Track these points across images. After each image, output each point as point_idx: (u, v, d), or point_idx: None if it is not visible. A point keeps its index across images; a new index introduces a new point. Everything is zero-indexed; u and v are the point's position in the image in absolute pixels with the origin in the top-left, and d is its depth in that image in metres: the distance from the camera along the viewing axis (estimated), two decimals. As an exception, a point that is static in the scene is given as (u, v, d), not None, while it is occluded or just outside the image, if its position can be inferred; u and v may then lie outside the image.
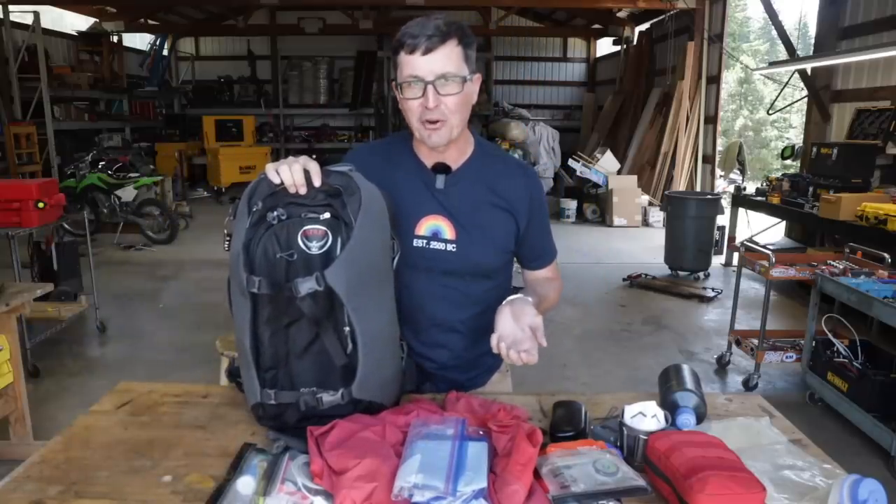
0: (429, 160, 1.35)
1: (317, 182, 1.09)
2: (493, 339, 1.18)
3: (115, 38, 12.34)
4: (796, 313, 5.13)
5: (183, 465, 1.08)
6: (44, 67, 9.00)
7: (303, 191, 1.08)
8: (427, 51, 1.20)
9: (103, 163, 7.82)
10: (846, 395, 3.13)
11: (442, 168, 1.34)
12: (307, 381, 1.12)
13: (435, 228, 1.34)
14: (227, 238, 1.12)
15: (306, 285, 1.02)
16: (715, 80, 8.92)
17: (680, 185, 9.00)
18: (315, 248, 1.07)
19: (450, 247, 1.34)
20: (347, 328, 1.08)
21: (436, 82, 1.21)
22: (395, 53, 1.25)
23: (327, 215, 1.09)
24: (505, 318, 1.20)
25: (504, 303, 1.24)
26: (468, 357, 1.44)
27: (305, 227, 1.08)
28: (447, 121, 1.25)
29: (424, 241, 1.34)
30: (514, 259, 1.49)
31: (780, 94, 7.49)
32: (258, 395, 1.11)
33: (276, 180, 1.08)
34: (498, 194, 1.37)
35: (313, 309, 1.06)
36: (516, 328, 1.18)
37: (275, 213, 1.08)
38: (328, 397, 1.10)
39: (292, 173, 1.07)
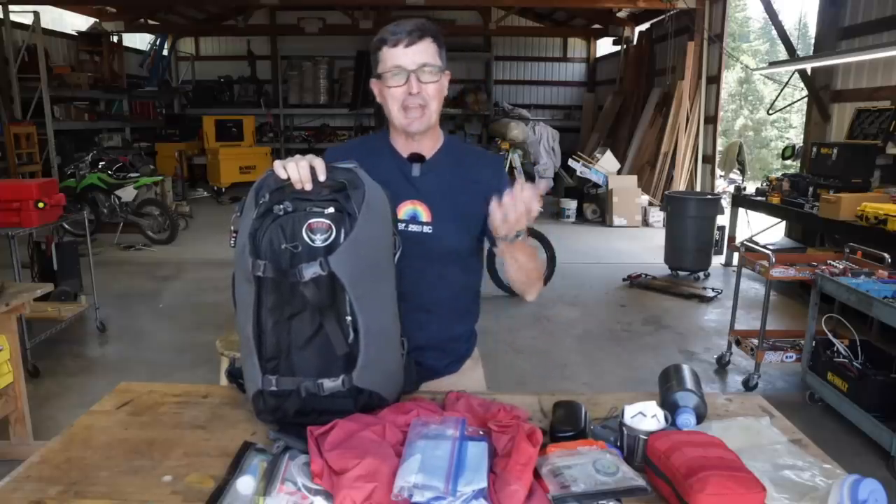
0: (405, 150, 1.46)
1: (322, 177, 1.13)
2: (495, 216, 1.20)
3: (115, 38, 12.31)
4: (796, 313, 5.12)
5: (183, 465, 1.08)
6: (44, 67, 8.99)
7: (308, 187, 1.12)
8: (409, 44, 1.34)
9: (103, 163, 7.82)
10: (846, 395, 3.13)
11: (417, 157, 1.45)
12: (309, 372, 1.13)
13: (412, 212, 1.44)
14: (234, 235, 1.14)
15: (310, 270, 1.05)
16: (715, 80, 8.91)
17: (680, 185, 8.99)
18: (319, 240, 1.10)
19: (426, 228, 1.44)
20: (349, 318, 1.11)
21: (418, 71, 1.34)
22: (376, 51, 1.38)
23: (332, 210, 1.12)
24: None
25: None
26: (441, 338, 1.52)
27: (310, 220, 1.10)
28: (427, 106, 1.37)
29: (403, 225, 1.43)
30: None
31: (780, 94, 7.49)
32: (259, 383, 1.13)
33: (284, 176, 1.12)
34: (468, 179, 1.48)
35: (316, 296, 1.08)
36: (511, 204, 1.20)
37: (281, 205, 1.11)
38: (329, 383, 1.12)
39: (299, 170, 1.12)
